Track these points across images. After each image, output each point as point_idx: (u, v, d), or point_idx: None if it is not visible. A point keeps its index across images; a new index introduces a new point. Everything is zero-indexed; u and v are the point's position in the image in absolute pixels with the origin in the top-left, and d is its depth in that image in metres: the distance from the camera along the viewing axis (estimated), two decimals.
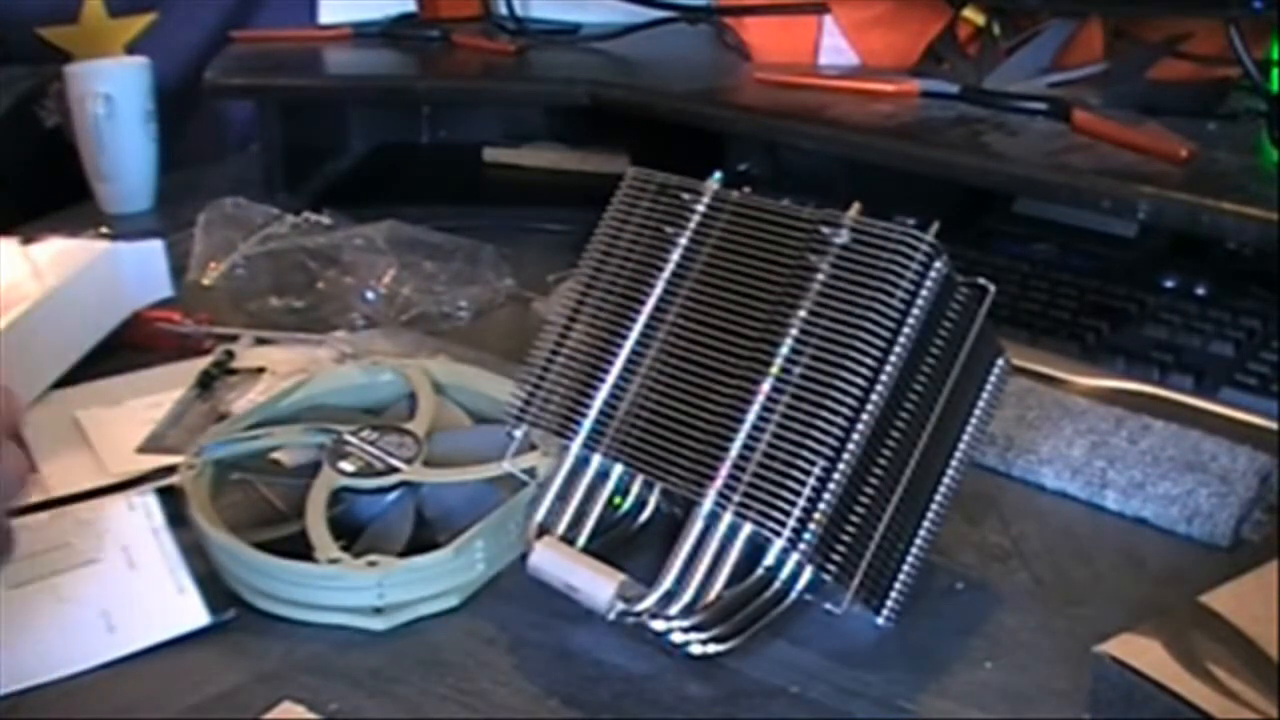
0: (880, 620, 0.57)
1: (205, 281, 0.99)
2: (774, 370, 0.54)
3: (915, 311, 0.54)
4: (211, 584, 0.60)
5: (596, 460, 0.59)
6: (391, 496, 0.64)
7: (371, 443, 0.66)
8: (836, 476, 0.53)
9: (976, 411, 0.59)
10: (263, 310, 0.94)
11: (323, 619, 0.59)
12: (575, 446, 0.59)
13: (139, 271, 0.92)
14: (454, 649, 0.57)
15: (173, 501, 0.65)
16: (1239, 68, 0.93)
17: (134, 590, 0.60)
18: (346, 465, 0.65)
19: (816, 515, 0.53)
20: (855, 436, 0.53)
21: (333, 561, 0.58)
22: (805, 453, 0.53)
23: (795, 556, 0.53)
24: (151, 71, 1.20)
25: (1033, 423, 0.72)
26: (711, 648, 0.55)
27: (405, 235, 0.99)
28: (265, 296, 0.95)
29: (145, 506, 0.65)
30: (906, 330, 0.54)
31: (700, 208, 0.60)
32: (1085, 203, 0.85)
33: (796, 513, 0.52)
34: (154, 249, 0.95)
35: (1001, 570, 0.63)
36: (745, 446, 0.54)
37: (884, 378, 0.53)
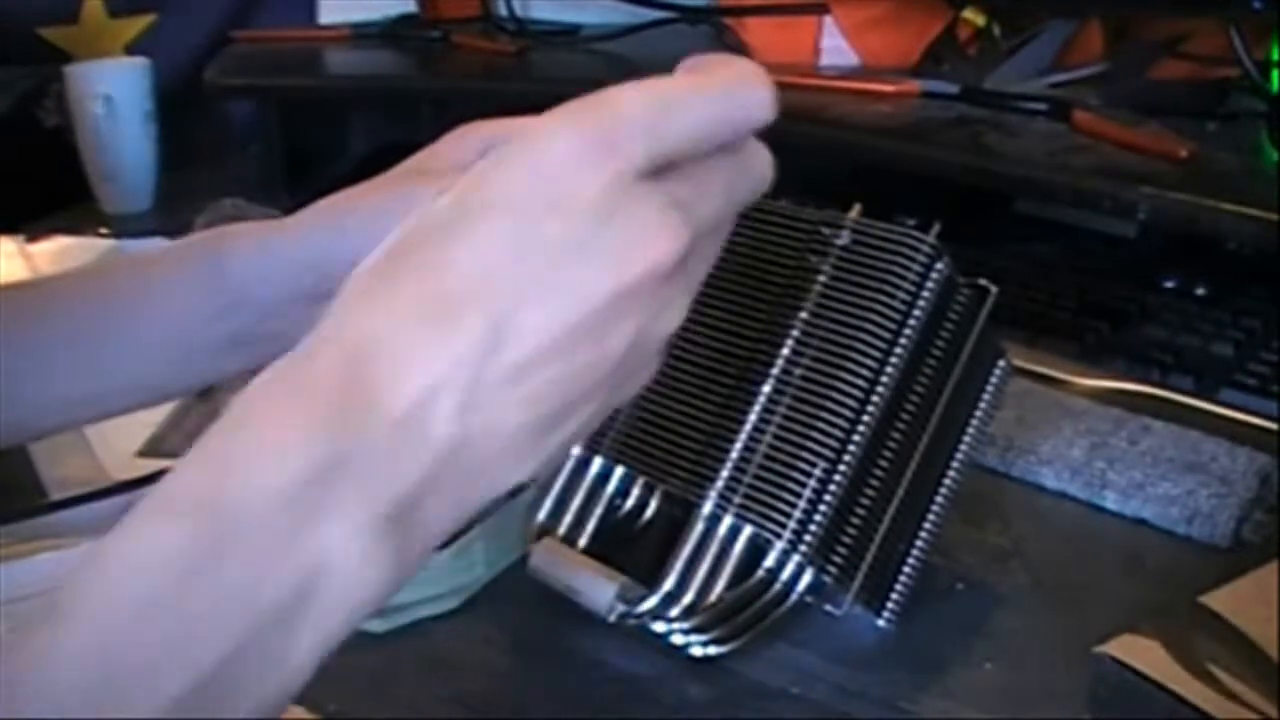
0: (881, 621, 0.57)
1: None
2: (775, 372, 0.54)
3: (916, 313, 0.54)
4: None
5: (598, 462, 0.59)
6: None
7: None
8: (837, 478, 0.53)
9: (977, 413, 0.59)
10: None
11: None
12: (576, 448, 0.59)
13: None
14: (454, 650, 0.57)
15: None
16: (1239, 68, 0.93)
17: None
18: None
19: (817, 517, 0.53)
20: (856, 438, 0.53)
21: None
22: (806, 454, 0.53)
23: (796, 558, 0.53)
24: (151, 71, 1.20)
25: (1033, 423, 0.72)
26: (712, 649, 0.55)
27: None
28: None
29: None
30: (908, 332, 0.54)
31: None
32: (1085, 203, 0.85)
33: (797, 514, 0.52)
34: (156, 246, 0.95)
35: (1001, 570, 0.63)
36: (746, 448, 0.54)
37: (885, 379, 0.53)
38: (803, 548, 0.53)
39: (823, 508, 0.53)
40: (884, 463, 0.55)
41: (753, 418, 0.54)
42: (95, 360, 0.55)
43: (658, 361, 0.40)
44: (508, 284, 0.35)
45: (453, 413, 0.34)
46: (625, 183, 0.36)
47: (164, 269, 0.57)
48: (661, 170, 0.37)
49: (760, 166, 0.41)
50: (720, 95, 0.38)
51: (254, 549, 0.32)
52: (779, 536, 0.52)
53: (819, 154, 1.03)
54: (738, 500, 0.53)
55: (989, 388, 0.59)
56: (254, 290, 0.54)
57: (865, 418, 0.53)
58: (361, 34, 1.34)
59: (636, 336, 0.37)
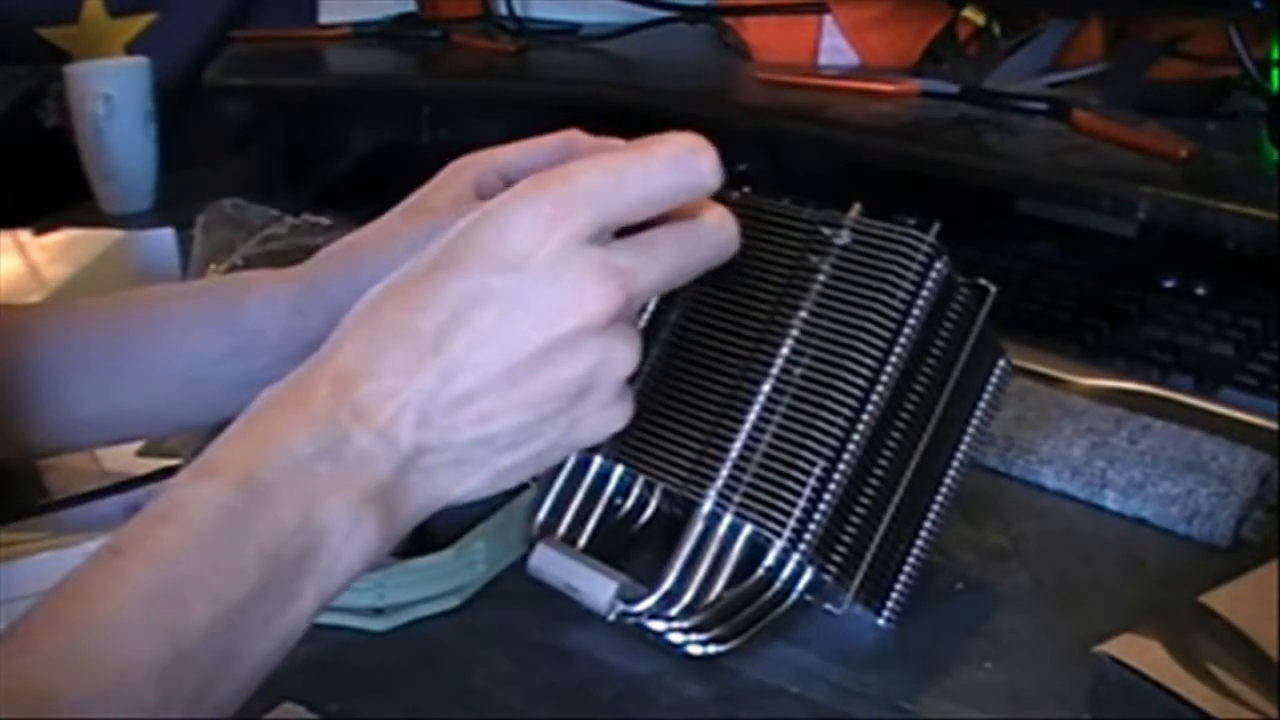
0: (881, 621, 0.57)
1: None
2: (775, 371, 0.54)
3: (916, 312, 0.54)
4: None
5: (598, 462, 0.59)
6: None
7: None
8: (837, 477, 0.53)
9: (977, 413, 0.59)
10: None
11: (323, 619, 0.57)
12: None
13: (151, 260, 0.93)
14: (454, 649, 0.57)
15: None
16: (1239, 68, 0.93)
17: None
18: None
19: (817, 516, 0.53)
20: (856, 437, 0.53)
21: None
22: (806, 453, 0.53)
23: (796, 557, 0.54)
24: (151, 71, 1.20)
25: (1033, 423, 0.71)
26: (711, 648, 0.55)
27: None
28: None
29: None
30: (907, 331, 0.54)
31: None
32: (1085, 203, 0.86)
33: (797, 513, 0.52)
34: (165, 236, 0.95)
35: (1001, 570, 0.63)
36: (746, 447, 0.54)
37: (884, 379, 0.53)
38: (802, 546, 0.53)
39: (822, 507, 0.53)
40: (884, 462, 0.55)
41: (753, 417, 0.54)
42: (110, 386, 0.58)
43: (623, 408, 0.46)
44: (463, 328, 0.42)
45: (414, 426, 0.42)
46: (573, 247, 0.42)
47: (180, 305, 0.59)
48: (620, 234, 0.44)
49: (720, 238, 0.47)
50: (664, 166, 0.44)
51: (276, 508, 0.40)
52: (779, 535, 0.52)
53: (819, 154, 1.03)
54: (737, 499, 0.53)
55: (989, 387, 0.59)
56: (265, 335, 0.57)
57: (865, 417, 0.53)
58: (361, 34, 1.34)
59: (584, 378, 0.44)
